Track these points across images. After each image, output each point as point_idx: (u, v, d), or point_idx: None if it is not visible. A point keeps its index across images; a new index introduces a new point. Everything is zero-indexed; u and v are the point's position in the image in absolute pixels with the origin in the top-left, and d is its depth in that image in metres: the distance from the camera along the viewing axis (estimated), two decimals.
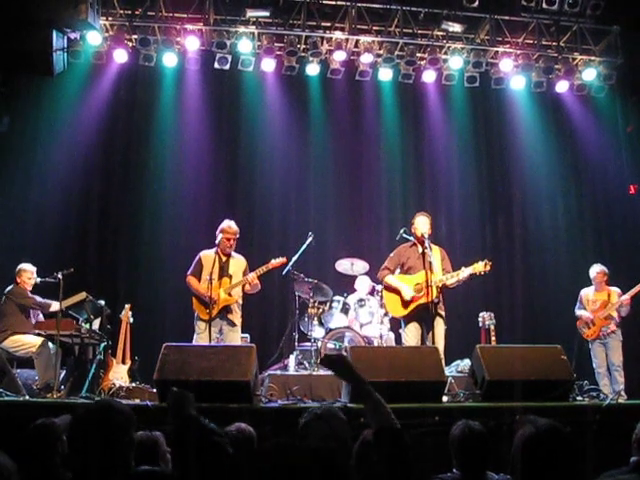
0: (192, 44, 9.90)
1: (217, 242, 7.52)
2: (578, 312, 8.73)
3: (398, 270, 7.60)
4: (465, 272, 7.23)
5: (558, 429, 2.83)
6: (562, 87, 10.74)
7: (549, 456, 2.73)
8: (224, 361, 5.48)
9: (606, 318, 8.46)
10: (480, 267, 7.22)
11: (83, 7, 8.54)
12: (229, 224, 7.58)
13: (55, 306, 7.63)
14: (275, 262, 7.63)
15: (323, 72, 10.53)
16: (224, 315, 7.42)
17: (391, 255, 7.72)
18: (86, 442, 2.67)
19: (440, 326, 7.25)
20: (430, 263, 7.15)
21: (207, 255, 7.53)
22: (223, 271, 7.50)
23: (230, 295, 7.41)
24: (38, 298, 7.74)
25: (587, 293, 8.76)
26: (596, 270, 8.68)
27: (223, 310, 7.40)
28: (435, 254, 7.42)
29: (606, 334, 8.46)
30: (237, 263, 7.64)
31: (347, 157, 10.97)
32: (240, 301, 7.58)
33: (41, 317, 7.89)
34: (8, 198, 9.59)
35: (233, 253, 7.67)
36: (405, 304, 7.36)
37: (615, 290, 8.58)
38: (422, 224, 7.49)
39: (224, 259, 7.57)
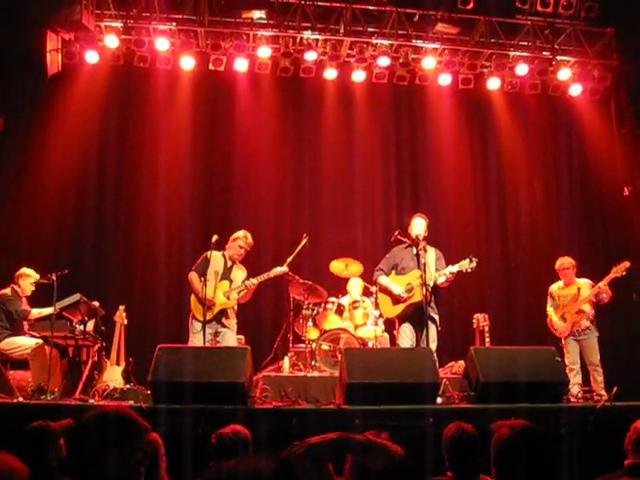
0: (186, 46, 9.89)
1: (228, 247, 7.71)
2: (553, 319, 8.28)
3: (393, 272, 7.63)
4: (451, 269, 7.27)
5: (533, 430, 2.85)
6: (556, 89, 10.77)
7: (525, 457, 2.74)
8: (218, 362, 5.49)
9: (577, 313, 8.06)
10: (465, 264, 7.25)
11: (77, 8, 8.55)
12: (246, 235, 7.75)
13: (34, 313, 7.60)
14: (277, 271, 7.70)
15: (318, 73, 10.52)
16: (220, 319, 7.48)
17: (386, 256, 7.80)
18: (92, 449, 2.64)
19: (432, 327, 7.26)
20: (424, 265, 7.18)
21: (215, 255, 7.60)
22: (225, 274, 7.61)
23: (228, 299, 7.49)
24: (23, 305, 7.72)
25: (556, 289, 8.37)
26: (563, 262, 8.29)
27: (219, 314, 7.46)
28: (430, 255, 7.48)
29: (580, 331, 8.05)
30: (239, 272, 7.75)
31: (341, 158, 10.95)
32: (235, 307, 7.65)
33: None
34: (2, 199, 9.56)
35: (238, 262, 7.80)
36: (396, 304, 7.40)
37: (585, 282, 8.24)
38: (417, 226, 7.54)
39: (229, 264, 7.69)
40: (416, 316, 7.25)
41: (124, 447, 2.62)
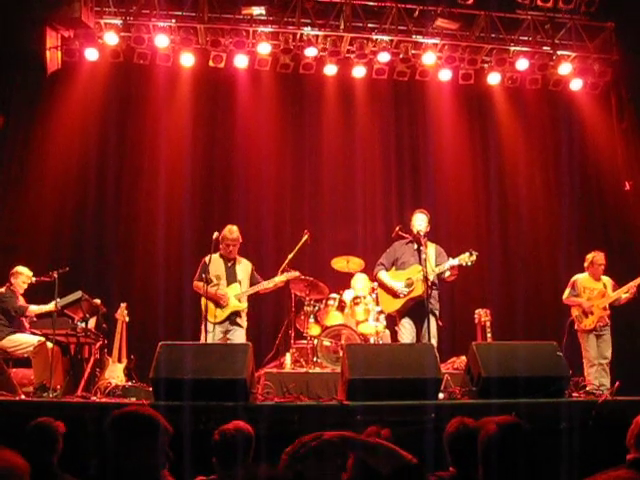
0: (186, 42, 9.88)
1: (220, 248, 7.63)
2: (574, 299, 8.31)
3: (393, 267, 7.65)
4: (451, 262, 7.31)
5: (520, 425, 2.84)
6: (557, 84, 10.75)
7: (512, 454, 2.73)
8: (220, 359, 5.49)
9: (605, 308, 8.14)
10: (465, 258, 7.28)
11: (77, 5, 8.54)
12: (230, 229, 7.61)
13: (34, 309, 7.60)
14: (290, 275, 7.77)
15: (318, 69, 10.51)
16: (233, 319, 7.50)
17: (387, 251, 7.83)
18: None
19: (432, 322, 7.28)
20: (425, 260, 7.20)
21: (214, 258, 7.55)
22: (231, 276, 7.59)
23: (240, 301, 7.52)
24: (19, 302, 7.73)
25: (583, 280, 8.37)
26: (599, 257, 8.31)
27: (232, 315, 7.48)
28: (430, 251, 7.50)
29: (601, 326, 8.12)
30: (244, 268, 7.74)
31: (342, 154, 10.95)
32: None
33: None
34: (3, 197, 9.56)
35: (238, 257, 7.76)
36: (396, 299, 7.41)
37: (608, 280, 8.32)
38: (418, 222, 7.56)
39: (230, 263, 7.66)
40: (416, 310, 7.28)
41: (146, 447, 2.61)
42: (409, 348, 6.59)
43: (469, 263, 7.30)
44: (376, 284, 8.61)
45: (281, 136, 10.91)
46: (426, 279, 7.05)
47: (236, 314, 7.50)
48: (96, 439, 3.87)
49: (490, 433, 2.81)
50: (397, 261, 7.63)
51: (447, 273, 7.37)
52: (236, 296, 7.48)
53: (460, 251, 7.51)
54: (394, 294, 7.45)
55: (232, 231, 7.58)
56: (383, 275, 7.62)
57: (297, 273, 7.85)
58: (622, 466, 3.18)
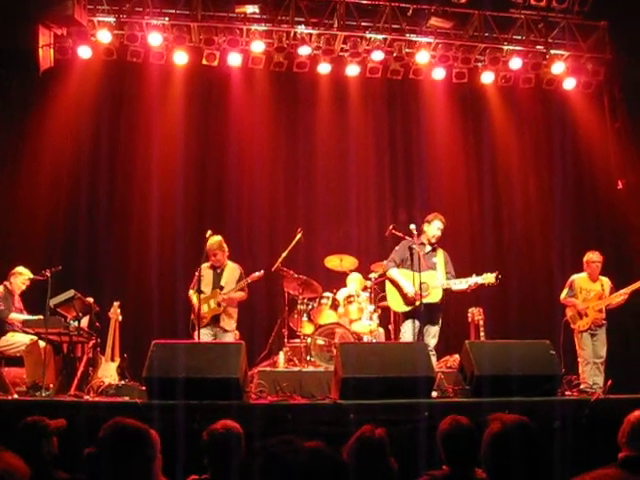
0: (180, 40, 9.86)
1: (210, 259, 7.88)
2: (570, 300, 8.37)
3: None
4: (474, 280, 7.28)
5: (526, 425, 2.84)
6: (550, 83, 10.77)
7: (518, 452, 2.73)
8: (213, 358, 5.50)
9: (600, 310, 8.17)
10: (490, 278, 7.24)
11: (70, 3, 8.52)
12: (210, 240, 7.75)
13: (15, 318, 7.61)
14: (254, 276, 7.87)
15: (312, 68, 10.49)
16: (215, 323, 7.80)
17: (396, 248, 7.79)
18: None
19: (437, 324, 7.41)
20: (434, 264, 7.28)
21: (203, 268, 7.78)
22: (216, 283, 7.87)
23: (219, 306, 7.76)
24: (15, 302, 7.79)
25: (580, 281, 8.40)
26: (593, 257, 8.32)
27: (213, 319, 7.79)
28: (439, 257, 7.52)
29: (596, 326, 8.16)
30: (230, 273, 7.94)
31: (335, 153, 10.93)
32: (231, 309, 7.87)
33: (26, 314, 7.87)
34: None
35: (229, 263, 7.98)
36: (407, 301, 7.38)
37: (607, 280, 8.34)
38: (435, 228, 7.55)
39: (218, 270, 7.93)
40: (425, 313, 7.26)
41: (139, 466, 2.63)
42: (402, 347, 6.62)
43: (489, 285, 7.30)
44: (369, 283, 8.65)
45: (274, 134, 10.89)
46: (419, 284, 7.07)
47: (217, 318, 7.79)
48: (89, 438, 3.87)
49: (495, 431, 2.82)
50: (405, 261, 7.60)
51: (463, 286, 7.35)
52: (215, 301, 7.76)
53: (453, 250, 7.51)
54: (405, 294, 7.42)
55: (212, 242, 7.78)
56: (394, 272, 7.56)
57: (261, 273, 7.91)
58: (613, 464, 3.18)
